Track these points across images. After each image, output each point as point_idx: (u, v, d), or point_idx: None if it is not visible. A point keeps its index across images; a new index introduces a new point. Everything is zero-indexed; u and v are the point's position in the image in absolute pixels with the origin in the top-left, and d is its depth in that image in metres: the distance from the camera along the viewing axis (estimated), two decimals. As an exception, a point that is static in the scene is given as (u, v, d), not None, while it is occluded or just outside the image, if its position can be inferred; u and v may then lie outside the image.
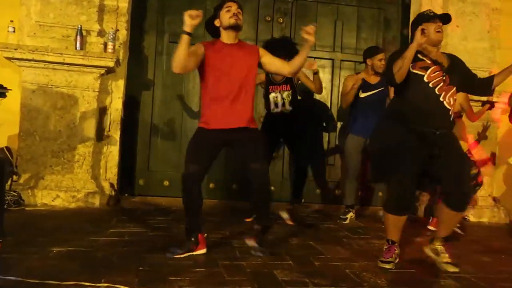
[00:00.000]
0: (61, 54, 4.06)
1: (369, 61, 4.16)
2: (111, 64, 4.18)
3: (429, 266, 2.86)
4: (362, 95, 4.12)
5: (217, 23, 2.88)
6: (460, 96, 3.89)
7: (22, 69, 4.11)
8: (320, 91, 4.13)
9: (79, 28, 4.10)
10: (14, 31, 4.11)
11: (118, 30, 4.38)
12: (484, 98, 4.40)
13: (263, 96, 4.08)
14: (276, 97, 3.90)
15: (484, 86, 2.91)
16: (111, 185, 4.38)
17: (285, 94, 3.90)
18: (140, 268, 2.46)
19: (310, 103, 4.92)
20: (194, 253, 2.77)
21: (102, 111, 4.38)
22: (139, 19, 4.74)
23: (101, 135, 4.39)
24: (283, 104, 3.89)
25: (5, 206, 2.99)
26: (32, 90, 4.11)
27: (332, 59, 5.19)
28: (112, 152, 4.44)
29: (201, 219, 2.87)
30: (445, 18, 2.83)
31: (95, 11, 4.24)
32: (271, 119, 3.99)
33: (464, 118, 4.23)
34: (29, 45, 4.06)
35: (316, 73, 3.99)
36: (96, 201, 4.16)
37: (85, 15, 4.21)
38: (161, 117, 4.87)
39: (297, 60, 2.91)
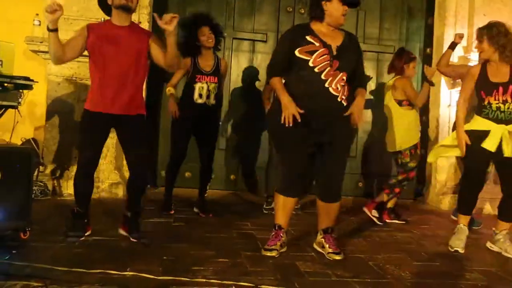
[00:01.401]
0: (85, 46, 4.10)
1: None
2: (133, 56, 4.21)
3: (454, 259, 2.83)
4: None
5: (109, 1, 2.78)
6: (401, 82, 3.75)
7: (47, 62, 4.17)
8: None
9: (102, 21, 4.13)
10: (39, 25, 4.18)
11: (140, 22, 4.39)
12: None
13: (187, 84, 3.75)
14: (202, 87, 3.66)
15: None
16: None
17: (211, 86, 3.69)
18: (164, 257, 2.50)
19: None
20: (87, 233, 2.82)
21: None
22: (160, 11, 4.71)
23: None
24: (208, 96, 3.66)
25: (32, 196, 3.06)
26: (57, 83, 4.18)
27: (354, 50, 5.12)
28: (135, 144, 4.49)
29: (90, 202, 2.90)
30: (353, 3, 2.67)
31: (118, 4, 4.27)
32: (191, 108, 3.68)
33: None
34: (54, 38, 4.12)
35: None
36: (120, 192, 4.23)
37: (108, 8, 4.24)
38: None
39: (168, 53, 2.72)
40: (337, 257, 2.67)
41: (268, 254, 2.64)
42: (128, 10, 2.77)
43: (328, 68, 2.59)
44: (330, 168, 2.72)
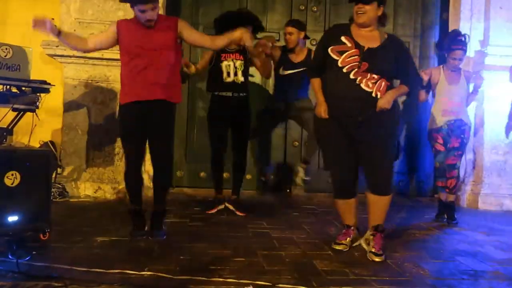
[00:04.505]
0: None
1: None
2: (147, 58, 4.24)
3: (474, 256, 2.78)
4: (284, 72, 3.88)
5: (132, 9, 2.83)
6: None
7: (64, 65, 4.25)
8: (266, 75, 3.87)
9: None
10: (55, 29, 4.24)
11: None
12: None
13: (213, 66, 3.74)
14: (229, 65, 3.67)
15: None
16: (150, 177, 4.47)
17: (238, 63, 3.67)
18: (181, 257, 2.51)
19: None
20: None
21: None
22: (174, 12, 4.78)
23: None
24: (236, 73, 3.66)
25: (51, 198, 3.10)
26: (74, 86, 4.24)
27: (368, 46, 5.07)
28: (150, 145, 4.53)
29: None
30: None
31: (132, 6, 4.31)
32: (221, 88, 3.70)
33: None
34: (69, 41, 4.18)
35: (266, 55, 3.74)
36: (137, 192, 4.27)
37: (122, 10, 4.27)
38: (197, 108, 4.91)
39: (220, 41, 2.97)
40: (377, 259, 2.61)
41: (337, 247, 2.78)
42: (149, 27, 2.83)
43: (356, 69, 2.61)
44: (374, 160, 2.72)
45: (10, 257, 2.28)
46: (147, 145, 2.94)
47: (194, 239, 2.87)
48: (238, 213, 3.69)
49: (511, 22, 4.63)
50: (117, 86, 4.25)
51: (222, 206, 3.77)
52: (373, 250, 2.65)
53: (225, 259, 2.50)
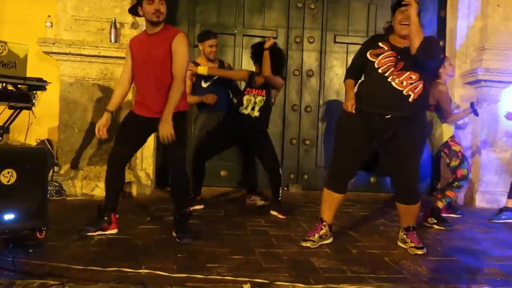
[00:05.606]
0: (97, 47, 4.14)
1: (200, 46, 4.04)
2: (144, 55, 4.22)
3: (471, 254, 2.79)
4: (204, 84, 4.03)
5: (140, 11, 2.84)
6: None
7: (60, 62, 4.22)
8: (265, 72, 3.67)
9: (113, 21, 4.17)
10: (51, 26, 4.22)
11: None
12: None
13: (239, 95, 3.98)
14: (249, 99, 3.82)
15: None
16: (147, 175, 4.47)
17: (258, 99, 3.80)
18: (179, 255, 2.50)
19: None
20: (106, 232, 2.83)
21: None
22: (171, 10, 4.73)
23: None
24: (253, 108, 3.79)
25: (48, 196, 3.09)
26: (70, 83, 4.22)
27: (366, 44, 5.07)
28: (148, 143, 4.45)
29: (118, 200, 2.92)
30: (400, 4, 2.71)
31: (128, 4, 4.27)
32: (237, 118, 3.84)
33: None
34: (66, 39, 4.17)
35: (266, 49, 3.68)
36: (134, 191, 4.27)
37: (119, 8, 4.26)
38: (194, 107, 4.89)
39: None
40: (419, 252, 2.72)
41: (304, 244, 2.77)
42: (156, 24, 2.82)
43: (392, 68, 2.69)
44: (400, 169, 2.77)
45: (6, 255, 2.27)
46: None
47: (191, 236, 2.86)
48: (280, 216, 3.65)
49: (509, 20, 4.64)
50: (114, 83, 4.25)
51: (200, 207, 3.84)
52: (412, 245, 2.76)
53: (223, 257, 2.50)
